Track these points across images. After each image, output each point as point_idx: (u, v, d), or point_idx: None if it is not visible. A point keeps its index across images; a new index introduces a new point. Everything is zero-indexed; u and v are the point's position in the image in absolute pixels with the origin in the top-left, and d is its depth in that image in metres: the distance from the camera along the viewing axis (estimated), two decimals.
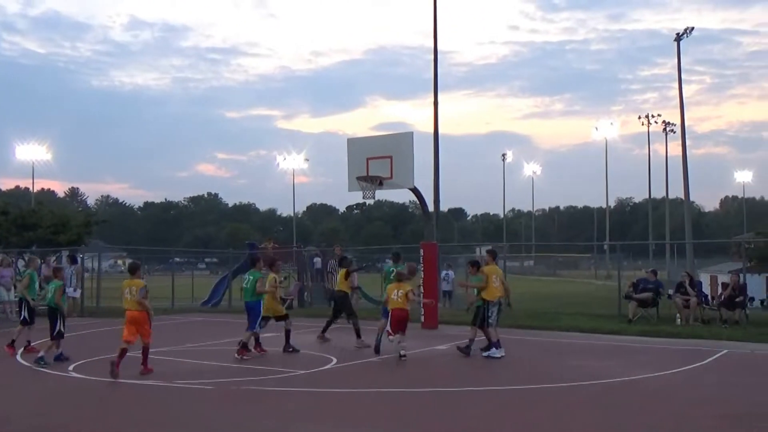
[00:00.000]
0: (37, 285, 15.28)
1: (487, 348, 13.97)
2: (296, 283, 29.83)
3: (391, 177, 19.08)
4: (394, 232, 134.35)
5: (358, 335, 15.27)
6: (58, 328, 13.31)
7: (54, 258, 28.19)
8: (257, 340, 14.57)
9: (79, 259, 24.69)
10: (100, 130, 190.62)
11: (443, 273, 26.36)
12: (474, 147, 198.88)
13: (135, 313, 12.07)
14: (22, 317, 14.77)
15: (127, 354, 12.02)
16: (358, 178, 19.38)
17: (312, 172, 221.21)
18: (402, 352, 13.53)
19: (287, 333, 14.76)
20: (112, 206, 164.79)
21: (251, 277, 14.39)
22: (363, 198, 19.51)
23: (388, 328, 13.82)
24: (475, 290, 14.24)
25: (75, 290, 23.38)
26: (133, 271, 12.55)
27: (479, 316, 14.03)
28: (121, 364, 11.75)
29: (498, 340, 13.96)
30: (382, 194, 20.22)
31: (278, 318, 14.79)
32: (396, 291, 13.88)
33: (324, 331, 16.44)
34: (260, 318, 14.12)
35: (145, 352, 12.17)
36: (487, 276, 14.10)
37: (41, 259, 23.09)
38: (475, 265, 14.55)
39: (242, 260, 32.71)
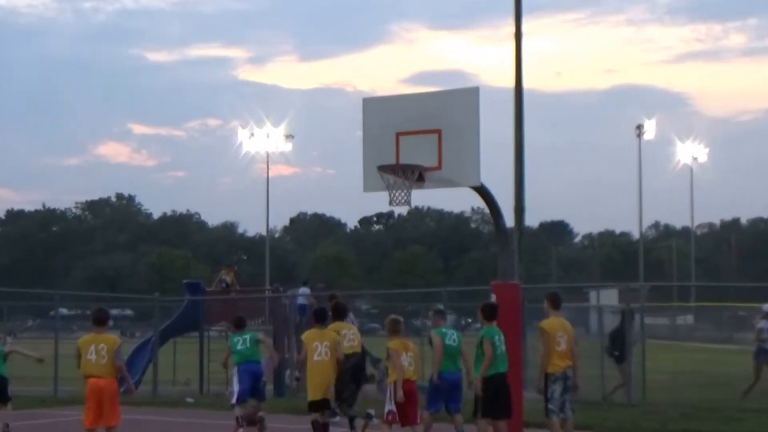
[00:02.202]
0: None
1: None
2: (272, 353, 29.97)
3: (440, 167, 19.21)
4: (445, 265, 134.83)
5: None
6: None
7: None
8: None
9: None
10: None
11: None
12: (586, 113, 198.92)
13: (102, 382, 14.41)
14: None
15: None
16: (381, 170, 19.49)
17: (299, 159, 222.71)
18: None
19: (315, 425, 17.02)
20: None
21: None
22: (390, 204, 19.64)
23: (392, 408, 15.70)
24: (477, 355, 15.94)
25: None
26: (101, 321, 14.90)
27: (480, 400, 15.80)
28: None
29: None
30: (423, 197, 20.33)
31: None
32: (405, 353, 15.83)
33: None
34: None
35: None
36: (548, 335, 15.75)
37: None
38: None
39: (177, 313, 33.06)
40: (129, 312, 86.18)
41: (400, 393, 15.54)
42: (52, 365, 28.81)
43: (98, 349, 14.51)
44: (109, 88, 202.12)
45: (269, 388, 28.36)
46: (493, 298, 19.63)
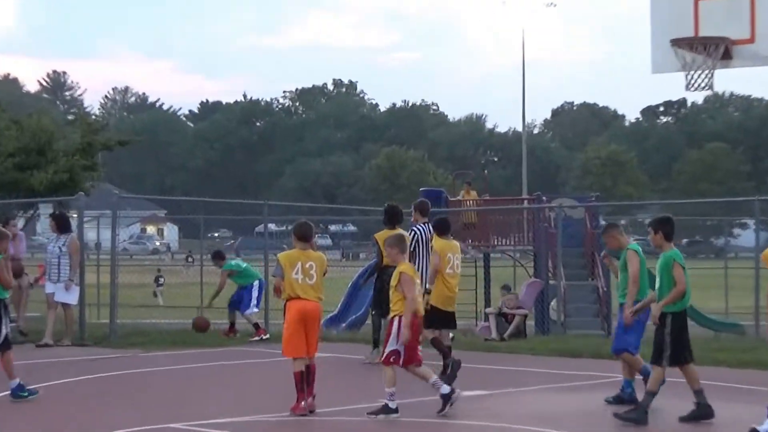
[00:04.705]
0: None
1: None
2: (531, 280, 30.16)
3: (752, 39, 19.01)
4: (754, 167, 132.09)
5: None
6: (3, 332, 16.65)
7: (23, 218, 30.10)
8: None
9: (73, 224, 26.12)
10: None
11: None
12: None
13: (310, 305, 15.67)
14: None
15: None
16: (676, 44, 19.37)
17: (563, 36, 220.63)
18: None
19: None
20: (134, 110, 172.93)
21: None
22: (687, 88, 19.56)
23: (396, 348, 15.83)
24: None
25: (68, 288, 24.79)
26: (306, 237, 15.96)
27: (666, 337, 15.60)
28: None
29: None
30: (725, 80, 20.06)
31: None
32: (418, 280, 16.36)
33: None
34: None
35: (314, 374, 15.84)
36: None
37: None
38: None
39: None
40: (351, 228, 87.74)
41: (406, 334, 15.49)
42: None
43: (305, 267, 15.49)
44: None
45: (530, 323, 28.71)
46: None
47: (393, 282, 15.84)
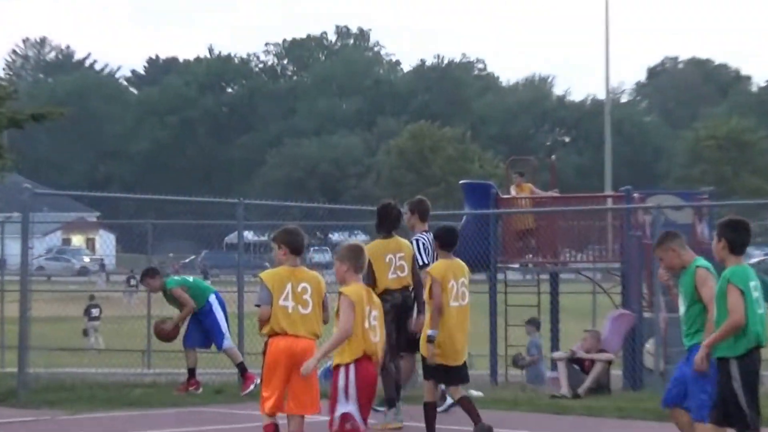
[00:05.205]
0: None
1: None
2: (617, 312, 30.16)
3: None
4: None
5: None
6: None
7: None
8: None
9: None
10: None
11: None
12: None
13: (301, 344, 15.48)
14: None
15: None
16: None
17: None
18: None
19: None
20: (55, 71, 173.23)
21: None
22: None
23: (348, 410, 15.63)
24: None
25: None
26: (297, 248, 15.84)
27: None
28: None
29: None
30: None
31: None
32: (370, 308, 15.66)
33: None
34: None
35: None
36: None
37: None
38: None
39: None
40: (361, 236, 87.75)
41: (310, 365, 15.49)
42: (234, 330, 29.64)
43: (297, 291, 15.18)
44: None
45: (616, 373, 28.64)
46: None
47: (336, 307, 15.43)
